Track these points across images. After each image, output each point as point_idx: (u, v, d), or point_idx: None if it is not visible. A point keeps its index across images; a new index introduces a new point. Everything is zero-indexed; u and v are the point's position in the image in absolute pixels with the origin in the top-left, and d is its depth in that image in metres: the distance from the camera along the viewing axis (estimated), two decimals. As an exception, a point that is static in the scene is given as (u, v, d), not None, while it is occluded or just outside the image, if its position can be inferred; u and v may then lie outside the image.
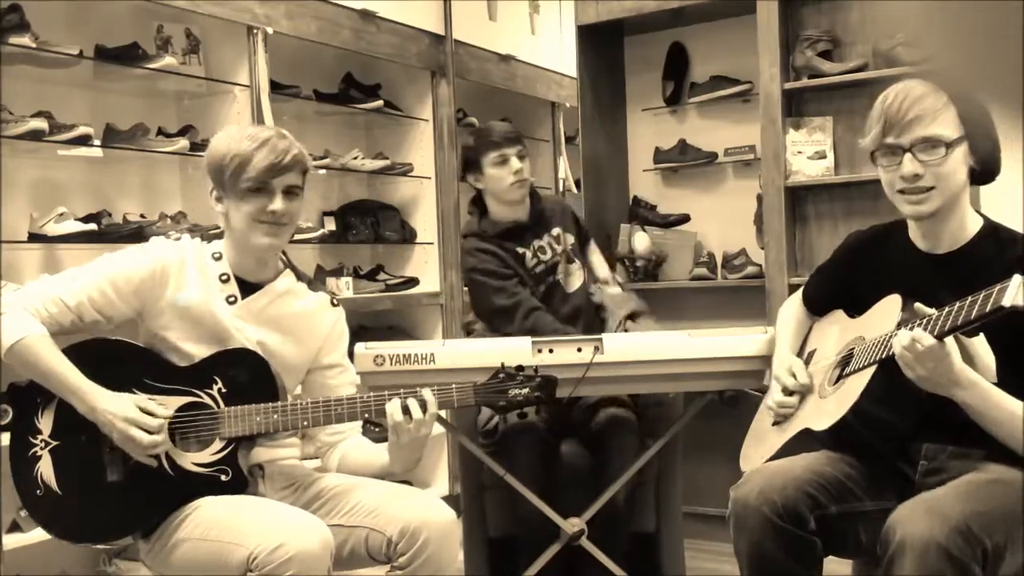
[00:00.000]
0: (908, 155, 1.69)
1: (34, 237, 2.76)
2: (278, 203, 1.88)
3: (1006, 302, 1.42)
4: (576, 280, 2.81)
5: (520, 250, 2.76)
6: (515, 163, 2.68)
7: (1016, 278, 1.43)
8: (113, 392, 1.82)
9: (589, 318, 2.78)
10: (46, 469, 1.84)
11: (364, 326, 3.75)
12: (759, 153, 3.37)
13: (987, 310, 1.46)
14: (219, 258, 1.95)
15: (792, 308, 2.12)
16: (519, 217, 2.76)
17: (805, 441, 1.83)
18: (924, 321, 1.57)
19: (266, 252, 1.95)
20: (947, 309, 1.54)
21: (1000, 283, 1.45)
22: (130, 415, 1.79)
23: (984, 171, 1.75)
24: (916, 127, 1.68)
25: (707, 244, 3.65)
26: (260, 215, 1.88)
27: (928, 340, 1.54)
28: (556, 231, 2.81)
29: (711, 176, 3.68)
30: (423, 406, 1.85)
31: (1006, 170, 1.78)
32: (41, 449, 1.84)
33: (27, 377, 1.85)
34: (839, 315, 1.97)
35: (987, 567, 1.50)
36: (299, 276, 2.05)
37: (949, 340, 1.55)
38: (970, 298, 1.49)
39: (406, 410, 1.84)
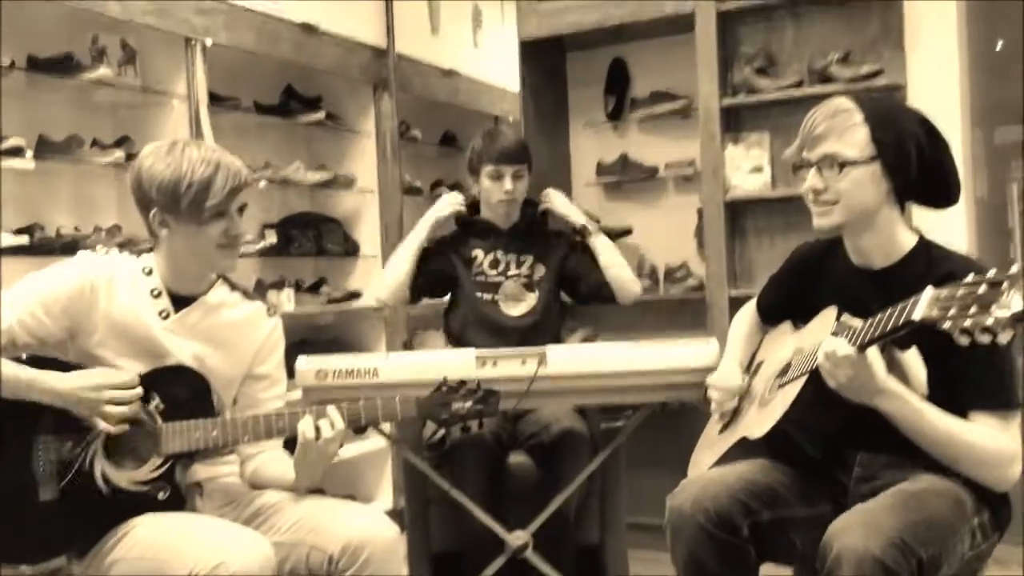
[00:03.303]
0: (813, 169, 1.75)
1: (-37, 251, 2.69)
2: (239, 224, 1.88)
3: (916, 316, 1.46)
4: (522, 307, 2.79)
5: (474, 253, 2.81)
6: (507, 183, 2.75)
7: (928, 290, 1.46)
8: (66, 371, 1.79)
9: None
10: (-26, 489, 1.78)
11: (306, 340, 3.71)
12: (699, 168, 3.42)
13: (900, 323, 1.50)
14: (150, 273, 1.92)
15: (745, 316, 2.15)
16: (500, 223, 2.83)
17: (750, 450, 1.86)
18: (848, 332, 1.62)
19: (229, 272, 1.96)
20: (869, 321, 1.58)
21: (914, 297, 1.48)
22: (98, 382, 1.78)
23: (921, 196, 1.79)
24: (821, 143, 1.73)
25: (650, 257, 3.68)
26: (223, 239, 1.86)
27: (846, 350, 1.58)
28: (528, 259, 2.82)
29: (653, 190, 3.72)
30: (332, 425, 1.85)
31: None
32: (-31, 469, 1.78)
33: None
34: (786, 326, 2.01)
35: None
36: (233, 286, 2.02)
37: (871, 351, 1.59)
38: (888, 310, 1.54)
39: (317, 429, 1.83)
